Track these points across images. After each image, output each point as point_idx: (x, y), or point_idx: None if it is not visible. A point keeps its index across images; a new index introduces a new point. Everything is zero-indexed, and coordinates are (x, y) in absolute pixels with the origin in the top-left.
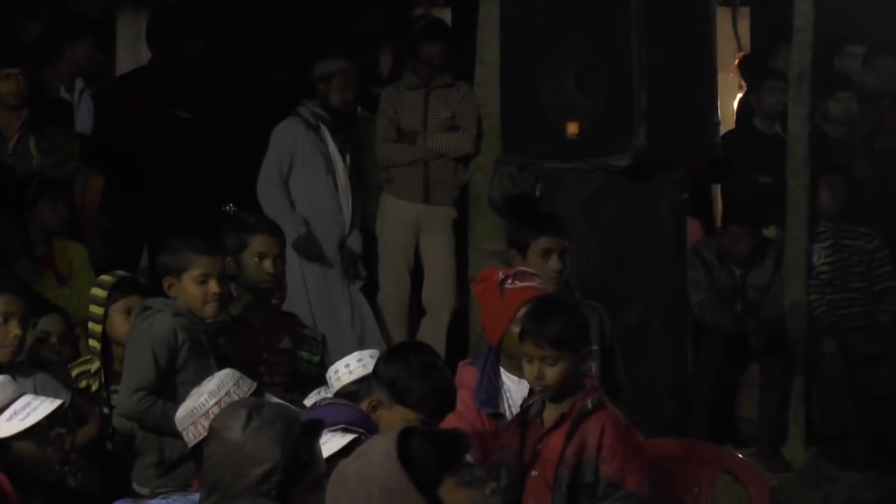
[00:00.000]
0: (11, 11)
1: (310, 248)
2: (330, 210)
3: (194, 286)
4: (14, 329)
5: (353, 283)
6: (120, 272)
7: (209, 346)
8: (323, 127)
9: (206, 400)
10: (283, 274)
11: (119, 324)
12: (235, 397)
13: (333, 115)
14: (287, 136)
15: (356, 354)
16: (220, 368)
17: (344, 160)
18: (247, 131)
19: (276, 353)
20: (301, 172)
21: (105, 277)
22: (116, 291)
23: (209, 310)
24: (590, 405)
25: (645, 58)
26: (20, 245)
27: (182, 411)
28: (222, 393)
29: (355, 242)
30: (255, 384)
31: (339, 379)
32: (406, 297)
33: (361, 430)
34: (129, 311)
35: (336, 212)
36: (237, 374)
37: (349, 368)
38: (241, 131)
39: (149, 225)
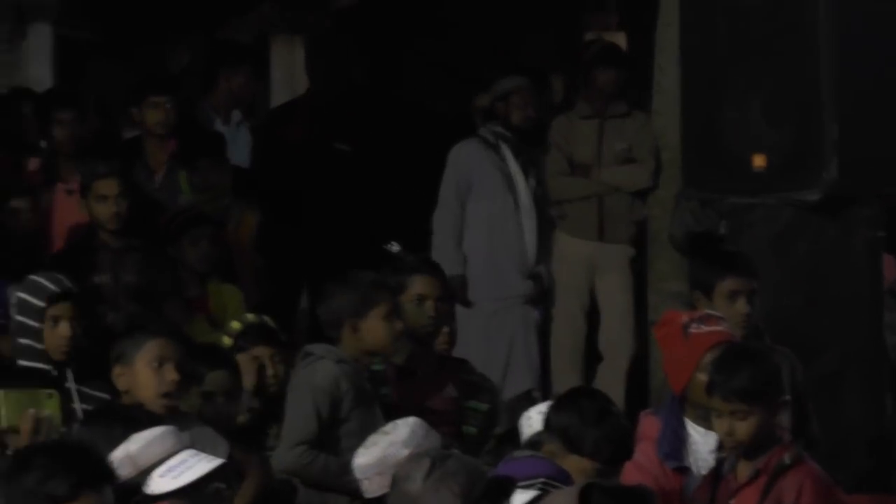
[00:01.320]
0: (161, 39)
1: (459, 292)
2: (510, 231)
3: (381, 324)
4: (170, 374)
5: (527, 323)
6: (250, 317)
7: (373, 395)
8: (503, 146)
9: (397, 450)
10: (450, 317)
11: (247, 374)
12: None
13: (514, 134)
14: (463, 157)
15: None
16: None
17: (527, 180)
18: (409, 164)
19: (440, 401)
20: (480, 193)
21: (234, 324)
22: (244, 340)
23: (392, 349)
24: (787, 460)
25: (836, 85)
26: (171, 286)
27: (366, 459)
28: (414, 443)
29: (546, 268)
30: (440, 437)
31: (531, 426)
32: (581, 342)
33: (558, 485)
34: (255, 363)
35: (517, 233)
36: (425, 423)
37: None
38: (402, 164)
39: (307, 264)
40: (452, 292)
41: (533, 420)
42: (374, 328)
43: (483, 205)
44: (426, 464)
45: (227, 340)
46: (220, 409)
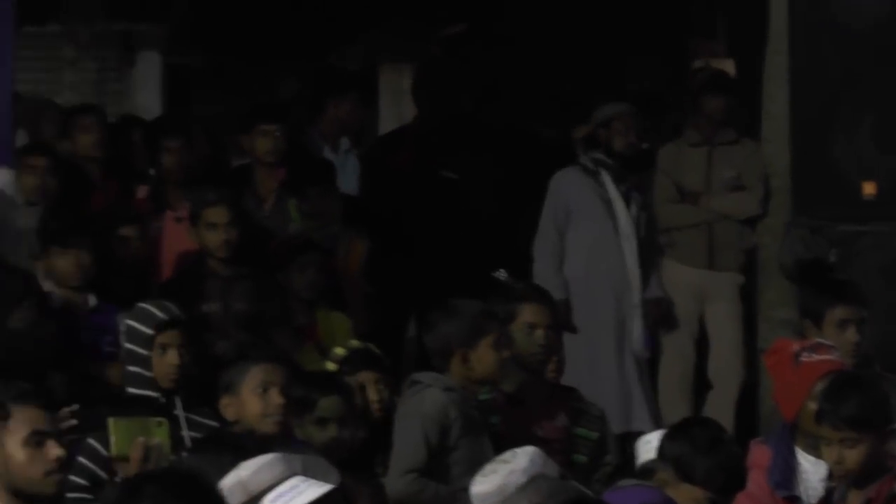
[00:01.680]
0: (270, 67)
1: (564, 317)
2: (610, 258)
3: (490, 353)
4: (276, 398)
5: (634, 352)
6: (355, 343)
7: (482, 424)
8: (603, 172)
9: (517, 478)
10: (559, 345)
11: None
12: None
13: (616, 160)
14: (563, 185)
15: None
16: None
17: (628, 206)
18: (516, 191)
19: (551, 430)
20: (579, 220)
21: (338, 350)
22: (348, 365)
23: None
24: None
25: None
26: (280, 314)
27: (485, 487)
28: (533, 471)
29: (657, 289)
30: (557, 466)
31: (648, 451)
32: (690, 370)
33: None
34: (361, 389)
35: (618, 260)
36: (543, 452)
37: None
38: (510, 191)
39: (416, 292)
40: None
41: (651, 444)
42: (484, 357)
43: (583, 232)
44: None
45: (331, 366)
46: (334, 435)
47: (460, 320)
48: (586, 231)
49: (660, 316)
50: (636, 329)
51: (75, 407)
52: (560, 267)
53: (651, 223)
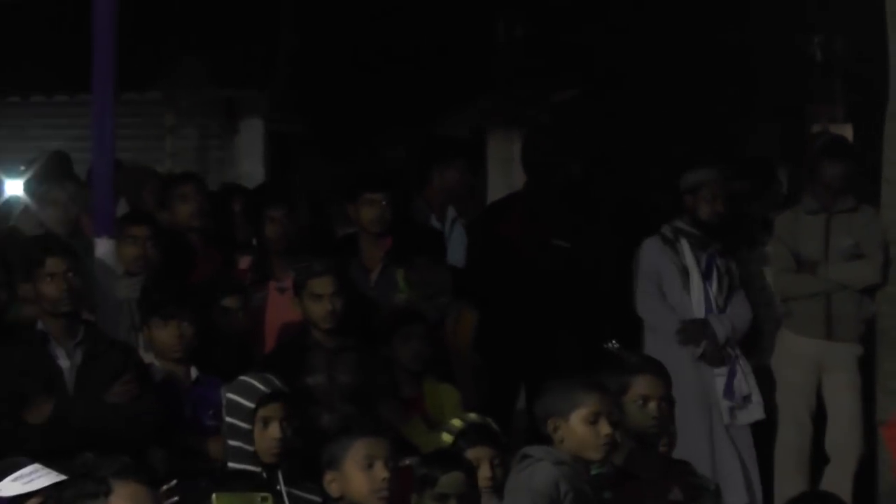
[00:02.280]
0: (375, 134)
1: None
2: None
3: (584, 426)
4: (380, 472)
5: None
6: (472, 416)
7: (594, 498)
8: (682, 241)
9: None
10: (672, 418)
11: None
12: None
13: (699, 229)
14: (646, 255)
15: None
16: None
17: (710, 275)
18: (628, 260)
19: None
20: (662, 290)
21: (455, 422)
22: (464, 440)
23: (601, 452)
24: None
25: None
26: (386, 386)
27: None
28: None
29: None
30: None
31: None
32: (807, 443)
33: None
34: (476, 465)
35: None
36: None
37: None
38: (621, 260)
39: (525, 364)
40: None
41: None
42: (575, 430)
43: (658, 303)
44: None
45: (447, 438)
46: None
47: (557, 391)
48: (663, 299)
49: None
50: (718, 389)
51: (173, 483)
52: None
53: (754, 288)
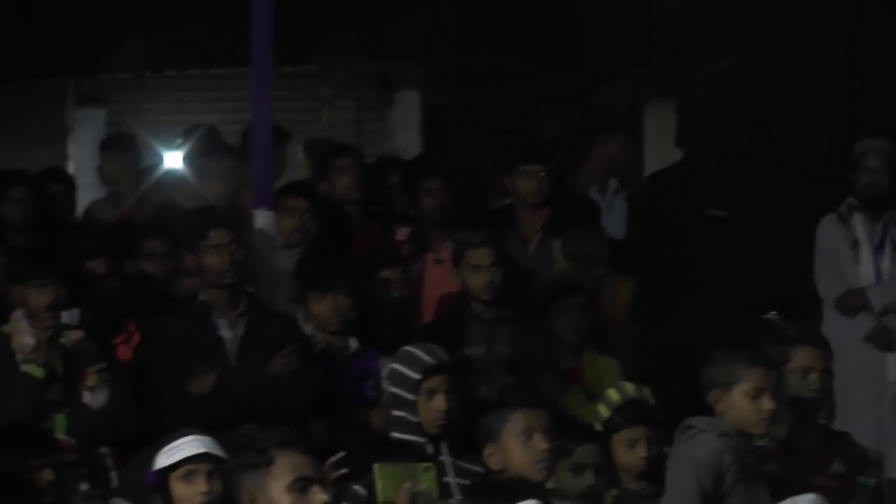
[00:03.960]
0: (529, 106)
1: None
2: None
3: (746, 401)
4: (539, 443)
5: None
6: (629, 389)
7: (758, 470)
8: (854, 215)
9: None
10: (832, 389)
11: (621, 454)
12: None
13: (867, 200)
14: (820, 235)
15: None
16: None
17: (876, 247)
18: (786, 231)
19: (827, 477)
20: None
21: (611, 393)
22: (620, 417)
23: (762, 427)
24: None
25: None
26: (545, 358)
27: None
28: None
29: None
30: None
31: None
32: None
33: None
34: (632, 444)
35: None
36: (825, 500)
37: None
38: (779, 231)
39: (684, 335)
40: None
41: None
42: (736, 404)
43: (834, 278)
44: None
45: (603, 410)
46: (591, 483)
47: (720, 364)
48: (838, 279)
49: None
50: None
51: (341, 454)
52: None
53: None
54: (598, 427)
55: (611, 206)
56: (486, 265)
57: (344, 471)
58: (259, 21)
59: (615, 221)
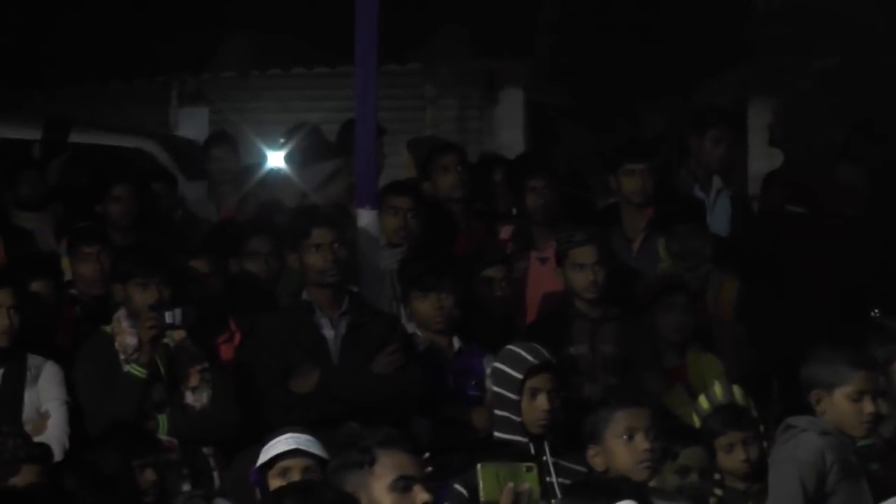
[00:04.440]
0: (634, 104)
1: None
2: None
3: (847, 403)
4: (642, 443)
5: None
6: (718, 393)
7: (861, 469)
8: None
9: None
10: None
11: (722, 458)
12: None
13: None
14: None
15: None
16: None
17: None
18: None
19: None
20: None
21: (716, 389)
22: (714, 422)
23: (863, 430)
24: None
25: None
26: (649, 357)
27: None
28: None
29: None
30: None
31: None
32: None
33: None
34: (730, 448)
35: None
36: None
37: None
38: (885, 229)
39: (789, 333)
40: None
41: None
42: (838, 406)
43: None
44: None
45: (704, 403)
46: (695, 485)
47: (821, 364)
48: None
49: None
50: None
51: (426, 455)
52: None
53: None
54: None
55: (715, 204)
56: (591, 264)
57: (429, 469)
58: (364, 20)
59: (719, 219)
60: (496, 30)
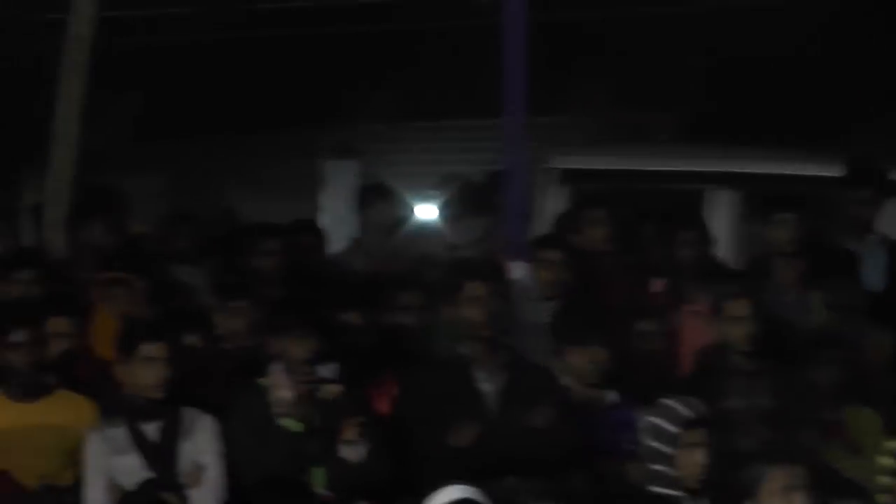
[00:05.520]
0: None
1: None
2: None
3: None
4: (797, 501)
5: None
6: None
7: None
8: None
9: None
10: None
11: None
12: None
13: None
14: None
15: None
16: None
17: None
18: None
19: None
20: None
21: (890, 444)
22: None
23: None
24: None
25: None
26: (805, 410)
27: None
28: None
29: None
30: None
31: None
32: None
33: None
34: None
35: None
36: None
37: None
38: None
39: None
40: None
41: None
42: None
43: None
44: None
45: (887, 462)
46: None
47: None
48: None
49: None
50: None
51: None
52: None
53: None
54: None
55: (870, 257)
56: (745, 316)
57: None
58: (512, 72)
59: (875, 272)
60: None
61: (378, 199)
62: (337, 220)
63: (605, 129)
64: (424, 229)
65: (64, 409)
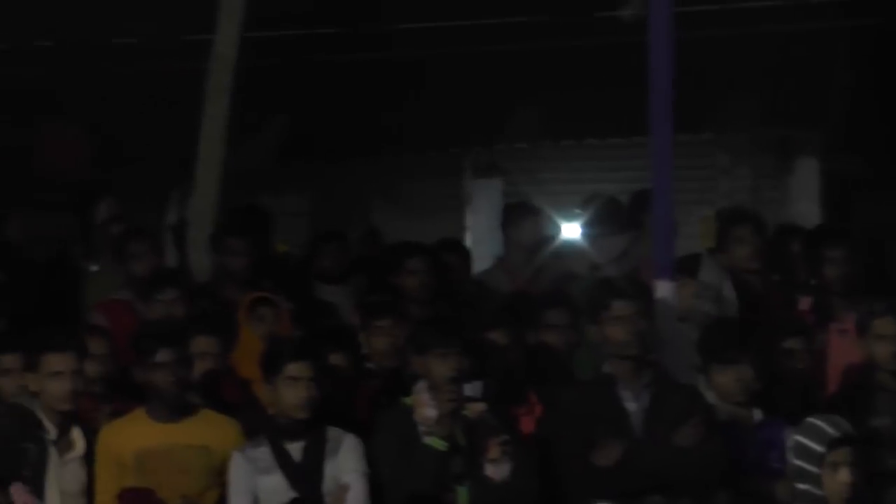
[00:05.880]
0: None
1: None
2: None
3: None
4: None
5: None
6: None
7: None
8: None
9: None
10: None
11: None
12: None
13: None
14: None
15: None
16: None
17: None
18: None
19: None
20: None
21: None
22: None
23: None
24: None
25: None
26: None
27: None
28: None
29: None
30: None
31: None
32: None
33: None
34: None
35: None
36: None
37: None
38: None
39: None
40: None
41: None
42: None
43: None
44: None
45: None
46: None
47: None
48: None
49: None
50: None
51: None
52: None
53: None
54: None
55: None
56: (893, 335)
57: None
58: (658, 90)
59: None
60: (788, 97)
61: (523, 218)
62: (482, 239)
63: (752, 145)
64: (568, 248)
65: (208, 429)
